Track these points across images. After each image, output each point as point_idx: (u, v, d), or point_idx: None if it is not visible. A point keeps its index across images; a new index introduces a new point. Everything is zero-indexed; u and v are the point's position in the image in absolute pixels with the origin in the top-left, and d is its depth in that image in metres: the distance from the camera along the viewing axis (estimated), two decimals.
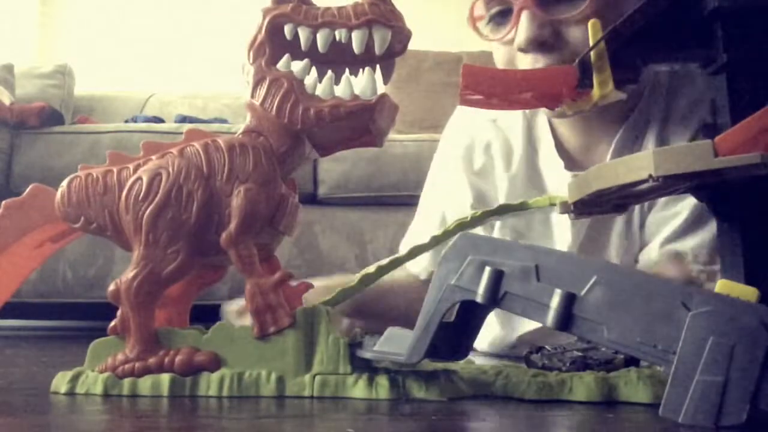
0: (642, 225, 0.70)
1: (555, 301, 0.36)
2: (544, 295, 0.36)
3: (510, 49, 0.66)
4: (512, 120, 0.76)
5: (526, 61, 0.64)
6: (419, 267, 0.80)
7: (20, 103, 1.65)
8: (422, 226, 0.85)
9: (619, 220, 0.71)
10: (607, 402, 0.40)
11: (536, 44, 0.63)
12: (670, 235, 0.67)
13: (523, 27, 0.62)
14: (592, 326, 0.35)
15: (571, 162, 0.73)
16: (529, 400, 0.41)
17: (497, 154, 0.77)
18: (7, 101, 1.59)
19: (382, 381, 0.41)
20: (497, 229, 0.76)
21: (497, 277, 0.37)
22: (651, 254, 0.68)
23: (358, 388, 0.41)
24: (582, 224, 0.73)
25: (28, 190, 0.49)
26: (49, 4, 2.73)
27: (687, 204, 0.65)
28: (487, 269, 0.38)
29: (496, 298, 0.37)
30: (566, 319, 0.35)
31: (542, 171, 0.75)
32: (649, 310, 0.34)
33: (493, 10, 0.66)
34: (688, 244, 0.65)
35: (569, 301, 0.35)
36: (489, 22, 0.67)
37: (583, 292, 0.35)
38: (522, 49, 0.64)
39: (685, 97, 0.68)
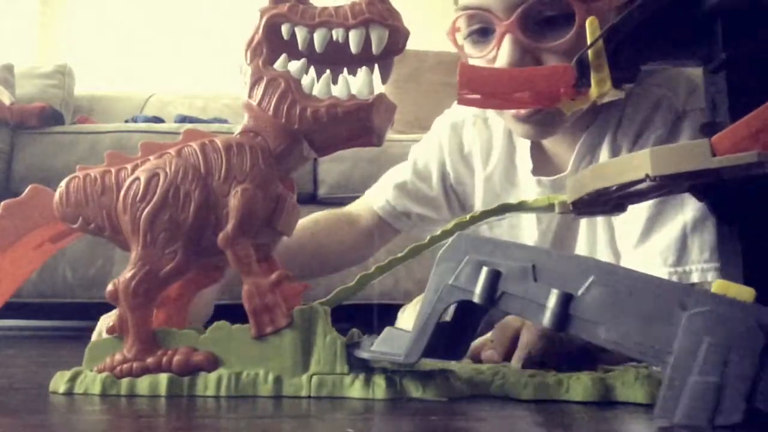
0: (610, 225, 0.70)
1: (552, 301, 0.36)
2: (541, 295, 0.36)
3: (488, 66, 0.66)
4: (498, 119, 0.76)
5: None
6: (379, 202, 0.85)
7: (20, 103, 1.65)
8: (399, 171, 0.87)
9: (584, 221, 0.70)
10: (605, 402, 0.40)
11: None
12: (637, 236, 0.66)
13: (505, 51, 0.61)
14: (590, 326, 0.35)
15: (543, 164, 0.73)
16: (527, 400, 0.41)
17: (476, 149, 0.79)
18: (7, 101, 1.59)
19: (379, 381, 0.41)
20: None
21: (494, 277, 0.37)
22: (629, 261, 0.67)
23: (354, 388, 0.41)
24: (549, 225, 0.73)
25: (27, 190, 0.49)
26: (49, 4, 2.73)
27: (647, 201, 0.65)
28: (485, 269, 0.38)
29: (493, 298, 0.37)
30: (563, 320, 0.35)
31: (518, 169, 0.76)
32: (646, 310, 0.34)
33: (474, 27, 0.65)
34: (657, 247, 0.64)
35: (566, 301, 0.35)
36: (468, 37, 0.66)
37: (580, 292, 0.35)
38: None
39: (636, 102, 0.67)
